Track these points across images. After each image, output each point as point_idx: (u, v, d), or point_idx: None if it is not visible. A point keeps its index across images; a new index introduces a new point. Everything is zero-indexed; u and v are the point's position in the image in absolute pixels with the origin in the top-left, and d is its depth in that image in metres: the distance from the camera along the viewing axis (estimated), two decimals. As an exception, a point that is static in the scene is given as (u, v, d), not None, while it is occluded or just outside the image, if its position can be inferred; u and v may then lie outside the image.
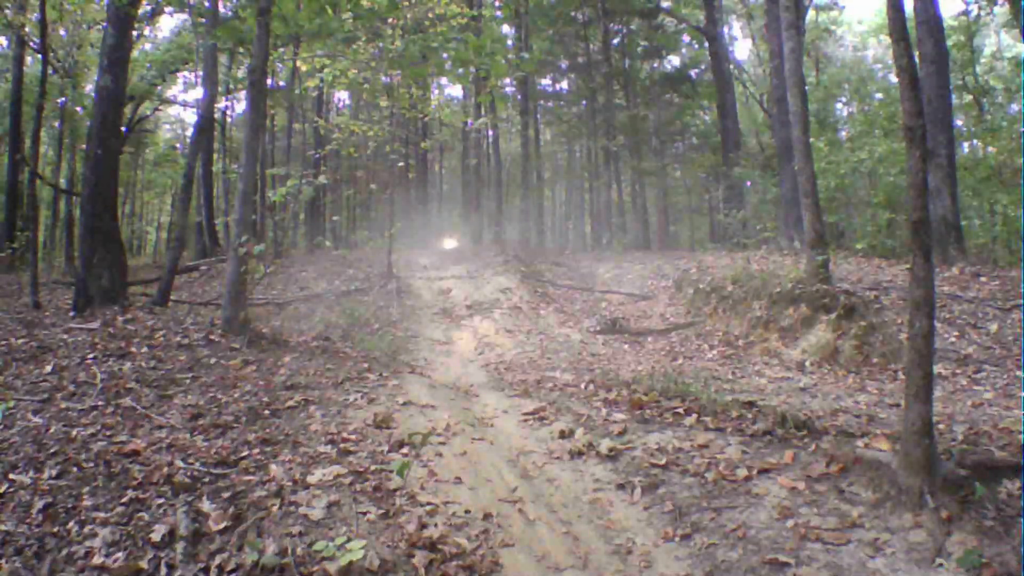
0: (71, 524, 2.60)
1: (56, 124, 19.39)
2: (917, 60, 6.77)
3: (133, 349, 5.32)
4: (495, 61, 7.47)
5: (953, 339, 6.62)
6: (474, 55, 7.15)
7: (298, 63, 12.83)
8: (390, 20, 9.36)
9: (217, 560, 2.49)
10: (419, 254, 14.71)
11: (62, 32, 17.16)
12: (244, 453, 3.51)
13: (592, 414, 4.67)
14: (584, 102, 23.51)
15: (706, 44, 19.98)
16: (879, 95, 17.44)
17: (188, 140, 22.27)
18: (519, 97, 20.84)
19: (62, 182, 20.21)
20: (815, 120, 16.29)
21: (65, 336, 5.63)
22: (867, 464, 3.27)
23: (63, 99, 16.63)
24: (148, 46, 19.91)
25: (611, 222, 21.85)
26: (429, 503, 3.16)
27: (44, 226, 21.37)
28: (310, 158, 16.16)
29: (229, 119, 23.33)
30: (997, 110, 16.58)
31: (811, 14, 19.90)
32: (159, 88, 18.76)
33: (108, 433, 3.56)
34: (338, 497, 3.07)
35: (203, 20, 11.17)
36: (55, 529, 2.56)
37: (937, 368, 5.08)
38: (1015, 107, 16.12)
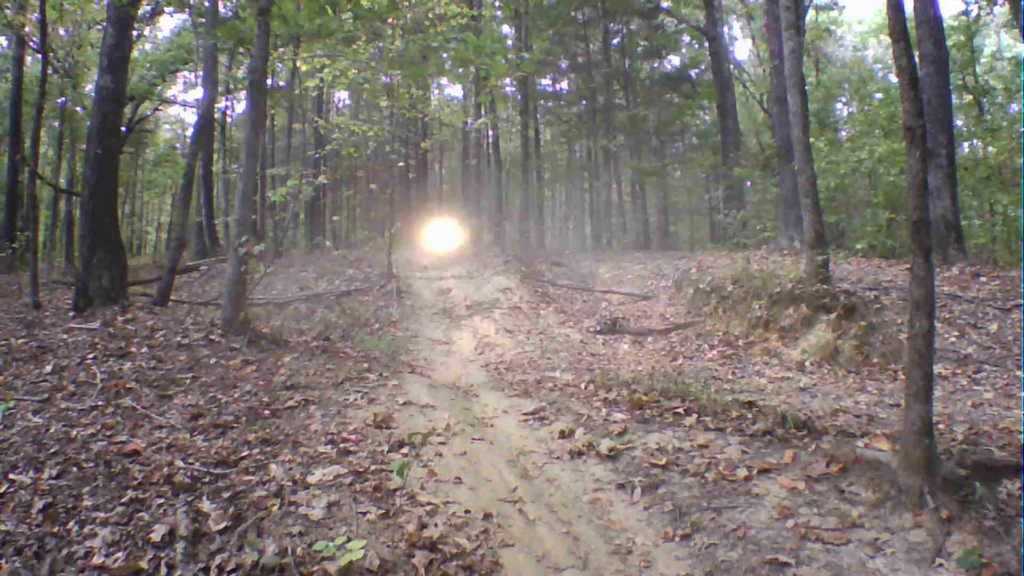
0: (71, 524, 2.60)
1: (56, 124, 19.38)
2: (917, 60, 6.76)
3: (133, 349, 5.32)
4: (495, 61, 7.46)
5: (953, 339, 6.62)
6: (474, 55, 7.15)
7: (298, 63, 12.83)
8: (390, 20, 9.36)
9: (217, 560, 2.49)
10: (419, 254, 14.70)
11: (62, 32, 17.14)
12: (244, 453, 3.51)
13: (592, 414, 4.67)
14: (584, 102, 23.52)
15: (706, 44, 19.98)
16: (879, 95, 17.40)
17: (188, 140, 22.28)
18: (519, 97, 20.85)
19: (62, 182, 20.21)
20: (815, 120, 16.31)
21: (65, 336, 5.63)
22: (867, 464, 3.27)
23: (63, 99, 16.63)
24: (148, 46, 19.96)
25: (611, 222, 21.86)
26: (429, 503, 3.16)
27: (44, 226, 21.34)
28: (310, 158, 16.16)
29: (229, 119, 23.32)
30: (997, 110, 16.55)
31: (811, 14, 19.89)
32: (159, 88, 18.78)
33: (108, 433, 3.56)
34: (338, 497, 3.07)
35: (203, 20, 11.17)
36: (55, 529, 2.56)
37: (937, 368, 5.09)
38: (1015, 107, 16.09)
